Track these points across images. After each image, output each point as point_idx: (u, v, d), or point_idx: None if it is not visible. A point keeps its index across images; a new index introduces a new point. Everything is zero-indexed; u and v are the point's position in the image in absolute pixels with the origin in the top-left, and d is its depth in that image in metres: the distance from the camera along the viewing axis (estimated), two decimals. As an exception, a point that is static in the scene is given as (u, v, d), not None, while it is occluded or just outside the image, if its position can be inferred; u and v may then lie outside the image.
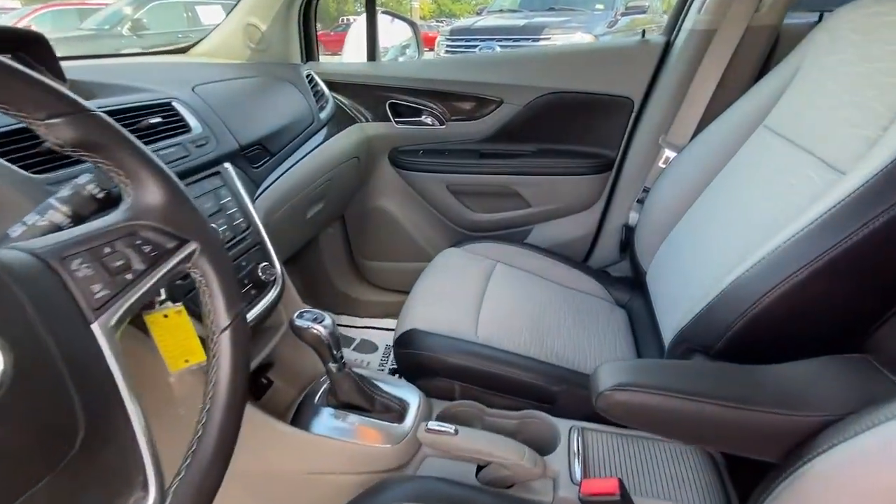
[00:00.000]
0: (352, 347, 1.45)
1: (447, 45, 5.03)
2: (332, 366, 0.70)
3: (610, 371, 0.52)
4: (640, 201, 1.16)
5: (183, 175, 0.67)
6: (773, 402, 0.47)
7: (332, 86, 1.30)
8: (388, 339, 1.45)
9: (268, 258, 0.74)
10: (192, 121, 0.74)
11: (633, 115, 1.17)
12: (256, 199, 0.82)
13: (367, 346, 1.45)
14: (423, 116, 1.31)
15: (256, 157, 0.86)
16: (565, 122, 1.23)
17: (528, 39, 4.47)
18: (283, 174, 0.92)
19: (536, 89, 1.21)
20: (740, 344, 0.61)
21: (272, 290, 0.73)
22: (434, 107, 1.30)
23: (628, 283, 1.11)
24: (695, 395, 0.48)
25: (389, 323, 1.52)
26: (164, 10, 6.07)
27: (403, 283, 1.32)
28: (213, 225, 0.65)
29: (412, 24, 1.58)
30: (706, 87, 1.03)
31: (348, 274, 1.57)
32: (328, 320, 0.68)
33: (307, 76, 1.21)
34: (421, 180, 1.35)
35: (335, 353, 0.68)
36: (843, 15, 0.74)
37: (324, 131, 1.17)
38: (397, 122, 1.32)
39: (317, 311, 0.69)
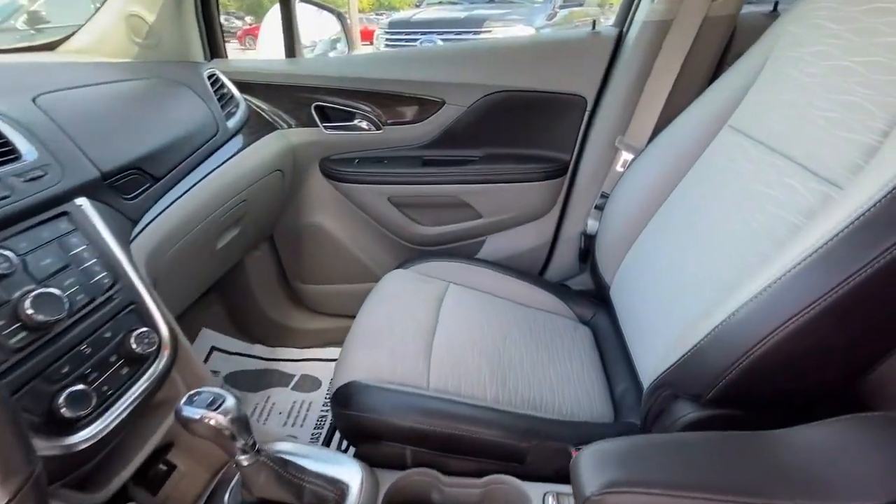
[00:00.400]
0: (290, 386, 1.27)
1: (386, 39, 4.86)
2: (242, 458, 0.54)
3: (595, 464, 0.40)
4: (599, 207, 1.07)
5: (1, 224, 0.48)
6: (800, 490, 0.38)
7: (246, 87, 1.11)
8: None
9: (146, 321, 0.57)
10: (22, 144, 0.54)
11: (587, 114, 1.08)
12: (134, 239, 0.63)
13: (309, 383, 1.28)
14: (357, 120, 1.15)
15: (131, 185, 0.67)
16: (514, 123, 1.12)
17: (469, 32, 4.40)
18: (174, 202, 0.73)
19: (481, 88, 1.09)
20: (735, 393, 0.52)
21: (156, 363, 0.56)
22: (368, 109, 1.14)
23: (590, 298, 1.02)
24: (706, 490, 0.38)
25: (333, 352, 1.35)
26: (68, 0, 5.40)
27: (348, 306, 1.16)
28: None
29: (339, 16, 1.41)
30: (663, 82, 0.95)
31: (282, 300, 1.38)
32: (229, 402, 0.52)
33: (210, 76, 1.01)
34: (359, 192, 1.20)
35: (242, 442, 0.53)
36: (814, 2, 0.67)
37: (235, 142, 0.98)
38: (326, 128, 1.15)
39: (214, 390, 0.52)
